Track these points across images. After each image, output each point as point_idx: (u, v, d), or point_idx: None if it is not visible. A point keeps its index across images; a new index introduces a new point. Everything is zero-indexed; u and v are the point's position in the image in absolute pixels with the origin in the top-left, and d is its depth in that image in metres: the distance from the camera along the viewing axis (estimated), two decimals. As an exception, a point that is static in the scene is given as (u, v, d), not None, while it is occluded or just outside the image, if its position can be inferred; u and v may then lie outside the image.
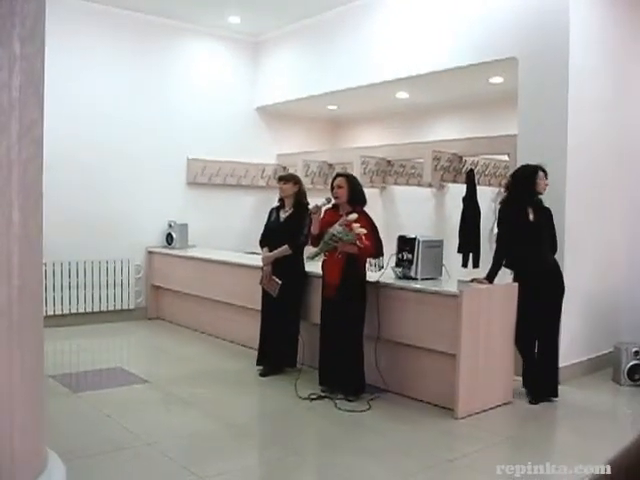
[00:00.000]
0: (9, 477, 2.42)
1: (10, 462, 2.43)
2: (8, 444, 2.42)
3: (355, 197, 4.99)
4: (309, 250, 5.25)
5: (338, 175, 5.15)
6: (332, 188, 5.03)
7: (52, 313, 7.07)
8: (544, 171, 4.91)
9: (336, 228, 4.71)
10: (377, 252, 4.92)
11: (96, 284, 7.60)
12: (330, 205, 5.06)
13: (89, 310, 7.55)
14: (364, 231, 4.66)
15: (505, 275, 5.10)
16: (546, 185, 4.91)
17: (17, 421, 2.49)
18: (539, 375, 4.94)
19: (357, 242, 4.66)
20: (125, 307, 7.84)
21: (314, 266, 5.35)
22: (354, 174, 7.42)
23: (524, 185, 4.90)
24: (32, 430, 2.63)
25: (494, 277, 4.95)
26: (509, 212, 4.99)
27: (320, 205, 5.00)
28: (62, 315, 7.28)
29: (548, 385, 4.93)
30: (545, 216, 4.92)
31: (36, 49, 2.38)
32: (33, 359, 2.58)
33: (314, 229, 4.99)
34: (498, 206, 5.27)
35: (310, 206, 5.16)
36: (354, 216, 4.71)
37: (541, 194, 4.92)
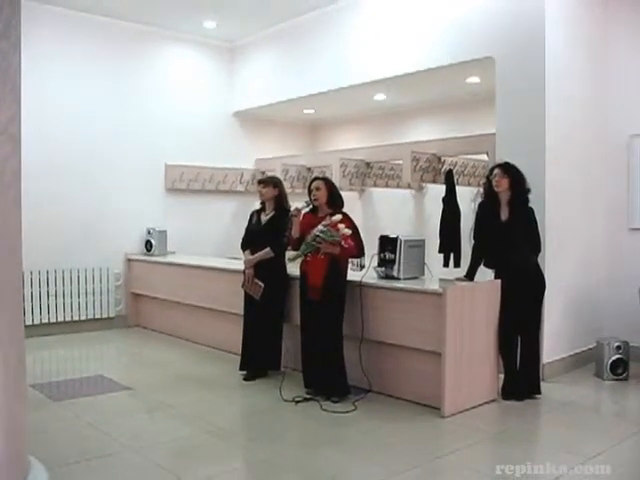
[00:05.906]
0: (-9, 484, 2.36)
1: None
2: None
3: (333, 199, 5.04)
4: (289, 253, 5.24)
5: (315, 179, 5.21)
6: (310, 192, 5.06)
7: (31, 322, 6.97)
8: (502, 168, 4.91)
9: (320, 229, 4.71)
10: (359, 252, 4.96)
11: (75, 292, 7.50)
12: (309, 209, 5.08)
13: (68, 319, 7.45)
14: (349, 232, 4.69)
15: (488, 273, 5.12)
16: (499, 182, 4.85)
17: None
18: (522, 373, 4.95)
19: (342, 242, 4.66)
20: (105, 315, 7.75)
21: (295, 268, 5.32)
22: (333, 177, 7.48)
23: (490, 184, 4.97)
24: (14, 436, 2.57)
25: (473, 275, 5.03)
26: (481, 211, 5.08)
27: (300, 208, 5.03)
28: (41, 324, 7.17)
29: (531, 382, 4.95)
30: (522, 216, 4.90)
31: (11, 45, 2.33)
32: (14, 362, 2.52)
33: (294, 232, 4.99)
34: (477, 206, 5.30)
35: (291, 209, 5.16)
36: (339, 217, 4.77)
37: (498, 192, 4.91)
